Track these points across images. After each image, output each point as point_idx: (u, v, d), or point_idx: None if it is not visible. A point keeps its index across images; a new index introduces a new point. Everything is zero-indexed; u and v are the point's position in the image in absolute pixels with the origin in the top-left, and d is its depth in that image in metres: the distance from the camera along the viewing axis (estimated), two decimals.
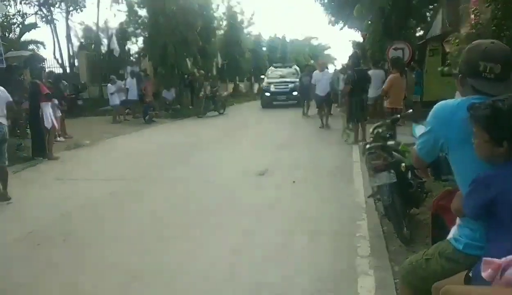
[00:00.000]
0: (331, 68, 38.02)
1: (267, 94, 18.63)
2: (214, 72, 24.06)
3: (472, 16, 5.09)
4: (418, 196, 3.98)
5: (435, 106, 1.90)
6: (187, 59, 17.83)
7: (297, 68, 21.16)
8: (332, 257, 3.50)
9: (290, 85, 18.08)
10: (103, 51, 21.87)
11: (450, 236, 1.87)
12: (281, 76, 19.48)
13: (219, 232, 4.18)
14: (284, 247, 3.76)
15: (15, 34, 19.71)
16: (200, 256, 3.66)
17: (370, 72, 10.10)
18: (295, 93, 17.32)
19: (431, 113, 1.89)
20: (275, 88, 18.51)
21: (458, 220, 1.86)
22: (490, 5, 4.62)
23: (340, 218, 4.43)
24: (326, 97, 11.52)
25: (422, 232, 3.86)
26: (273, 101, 18.49)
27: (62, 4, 20.80)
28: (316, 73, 12.05)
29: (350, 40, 29.48)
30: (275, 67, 21.58)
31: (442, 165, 2.18)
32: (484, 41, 1.85)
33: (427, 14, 15.47)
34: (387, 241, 3.80)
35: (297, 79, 17.35)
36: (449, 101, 1.86)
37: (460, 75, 1.85)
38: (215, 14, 22.99)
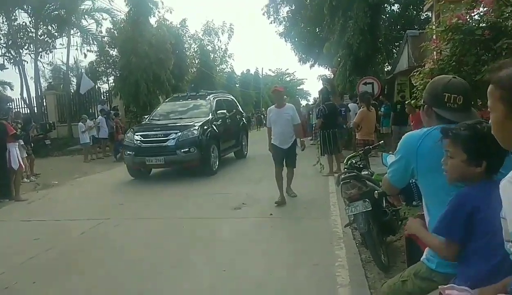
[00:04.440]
0: (303, 103, 39.09)
1: (130, 152, 9.59)
2: None
3: (434, 53, 5.41)
4: (393, 223, 4.06)
5: (404, 136, 2.06)
6: (159, 96, 17.90)
7: (230, 98, 13.23)
8: (312, 288, 3.47)
9: (183, 133, 9.33)
10: (72, 91, 21.68)
11: (423, 257, 1.94)
12: (175, 118, 10.69)
13: (197, 268, 4.09)
14: (264, 280, 3.70)
15: None
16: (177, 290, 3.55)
17: (349, 105, 10.50)
18: (192, 149, 9.19)
19: (400, 143, 2.03)
20: (145, 141, 9.57)
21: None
22: (448, 43, 4.94)
23: (318, 249, 4.42)
24: (289, 150, 6.66)
25: (399, 258, 3.92)
26: (145, 163, 9.49)
27: (31, 45, 20.65)
28: (272, 110, 6.87)
29: (320, 76, 30.61)
30: (177, 98, 12.36)
31: (412, 191, 2.27)
32: (445, 76, 2.07)
33: (394, 50, 16.30)
34: (365, 269, 3.82)
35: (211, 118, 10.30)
36: (416, 131, 2.01)
37: (425, 106, 1.98)
38: (188, 53, 23.38)
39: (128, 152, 9.67)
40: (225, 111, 11.10)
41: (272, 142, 6.75)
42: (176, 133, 9.34)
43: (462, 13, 5.06)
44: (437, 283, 1.76)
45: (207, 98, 11.37)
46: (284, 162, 6.71)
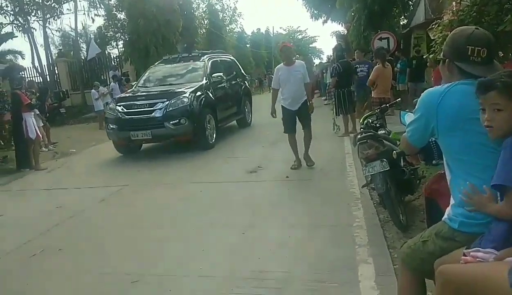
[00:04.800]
0: (316, 61, 38.29)
1: (112, 126, 8.52)
2: None
3: (453, 3, 5.14)
4: (412, 182, 4.02)
5: (423, 93, 1.97)
6: None
7: (229, 59, 11.77)
8: (331, 248, 3.51)
9: (171, 102, 8.13)
10: (82, 58, 21.60)
11: (445, 216, 1.91)
12: (164, 84, 9.46)
13: (216, 231, 4.16)
14: (283, 241, 3.75)
15: None
16: (198, 256, 3.64)
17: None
18: (183, 120, 8.07)
19: (419, 100, 1.95)
20: (128, 112, 8.36)
21: (451, 200, 1.90)
22: None
23: (336, 210, 4.44)
24: (301, 110, 6.21)
25: (418, 218, 3.92)
26: (130, 138, 8.33)
27: (39, 12, 20.44)
28: (280, 68, 6.27)
29: (333, 32, 29.73)
30: (168, 61, 10.64)
31: (432, 150, 2.22)
32: (467, 28, 1.94)
33: (410, 2, 15.62)
34: (384, 229, 3.83)
35: (206, 84, 9.02)
36: (437, 87, 1.92)
37: (447, 60, 1.89)
38: (196, 13, 22.90)
39: (110, 126, 8.53)
40: (221, 74, 9.72)
41: (282, 104, 6.25)
42: (163, 102, 8.13)
43: None
44: (459, 243, 1.75)
45: (201, 60, 9.92)
46: (299, 124, 6.31)
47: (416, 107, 1.95)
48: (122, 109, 8.43)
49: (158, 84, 9.61)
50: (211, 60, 10.07)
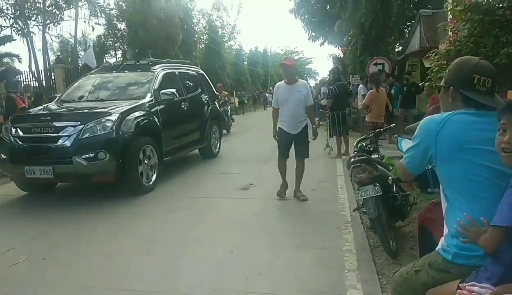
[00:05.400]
0: (312, 83, 38.74)
1: (3, 156, 5.97)
2: None
3: (450, 33, 5.26)
4: (403, 208, 4.02)
5: (423, 121, 1.96)
6: None
7: (195, 72, 9.41)
8: (320, 271, 3.47)
9: (86, 127, 5.70)
10: (80, 65, 21.61)
11: (438, 247, 1.89)
12: (93, 100, 7.14)
13: (205, 248, 4.10)
14: (272, 261, 3.71)
15: None
16: (184, 270, 3.57)
17: (360, 86, 10.21)
18: (101, 153, 5.64)
19: (418, 127, 1.94)
20: (25, 138, 5.92)
21: (445, 230, 1.88)
22: (467, 24, 4.79)
23: (326, 232, 4.41)
24: (299, 136, 5.60)
25: (408, 244, 3.91)
26: (24, 175, 5.78)
27: (39, 17, 20.49)
28: (280, 86, 5.70)
29: (330, 55, 30.16)
30: (106, 69, 8.31)
31: (427, 178, 2.21)
32: (472, 57, 1.97)
33: (405, 30, 15.94)
34: (373, 254, 3.80)
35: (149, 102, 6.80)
36: (437, 115, 1.91)
37: (451, 87, 1.90)
38: (196, 28, 23.09)
39: (1, 155, 5.95)
40: (174, 91, 7.32)
41: (279, 125, 5.62)
42: (74, 126, 5.66)
43: None
44: (453, 275, 1.72)
45: (151, 70, 7.51)
46: (294, 151, 5.67)
47: (414, 134, 1.93)
48: (17, 132, 5.89)
49: (87, 99, 7.16)
50: (163, 72, 7.62)
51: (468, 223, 1.68)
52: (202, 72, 9.75)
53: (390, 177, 3.16)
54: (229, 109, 15.66)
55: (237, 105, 29.46)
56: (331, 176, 7.08)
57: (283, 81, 5.80)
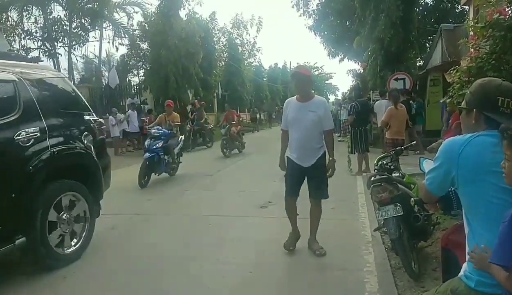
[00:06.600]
0: (331, 98, 38.57)
1: None
2: (215, 103, 24.33)
3: (472, 50, 5.17)
4: (426, 229, 3.92)
5: (445, 142, 1.92)
6: (188, 91, 18.05)
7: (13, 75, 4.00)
8: (340, 293, 3.41)
9: None
10: (104, 84, 22.23)
11: (461, 273, 1.83)
12: None
13: (224, 268, 4.08)
14: (291, 282, 3.66)
15: None
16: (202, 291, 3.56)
17: (377, 102, 10.11)
18: None
19: (440, 148, 1.91)
20: None
21: (468, 256, 1.82)
22: (488, 40, 4.71)
23: (346, 253, 4.34)
24: (314, 170, 4.32)
25: (431, 266, 3.81)
26: None
27: (65, 38, 21.27)
28: (291, 102, 4.48)
29: (349, 70, 30.07)
30: None
31: (451, 199, 2.16)
32: (495, 79, 1.95)
33: (427, 44, 15.78)
34: (395, 276, 3.71)
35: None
36: (458, 137, 1.88)
37: (474, 110, 1.87)
38: (217, 46, 23.44)
39: None
40: None
41: (287, 155, 4.44)
42: None
43: (504, 7, 4.82)
44: None
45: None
46: (308, 189, 4.41)
47: (436, 155, 1.91)
48: None
49: None
50: None
51: (476, 250, 1.65)
52: (42, 75, 4.77)
53: (413, 198, 3.11)
54: (180, 143, 9.76)
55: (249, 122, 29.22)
56: (352, 194, 6.99)
57: (295, 97, 4.49)
